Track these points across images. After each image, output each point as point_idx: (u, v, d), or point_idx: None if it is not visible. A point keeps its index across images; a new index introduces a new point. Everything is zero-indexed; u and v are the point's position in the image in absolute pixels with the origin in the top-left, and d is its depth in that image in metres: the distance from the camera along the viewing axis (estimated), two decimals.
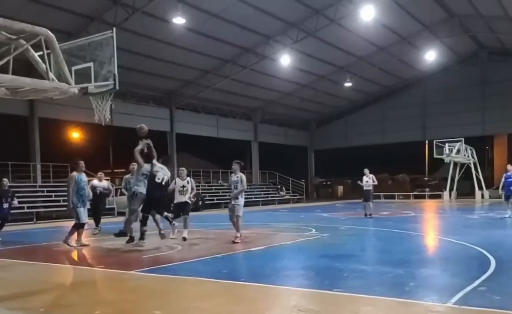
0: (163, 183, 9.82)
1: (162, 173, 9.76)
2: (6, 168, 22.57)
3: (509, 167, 16.70)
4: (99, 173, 14.92)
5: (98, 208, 14.12)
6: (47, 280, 7.22)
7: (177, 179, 10.88)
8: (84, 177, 10.96)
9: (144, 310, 5.29)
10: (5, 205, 12.47)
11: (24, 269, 8.37)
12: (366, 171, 17.95)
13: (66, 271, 8.27)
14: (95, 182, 13.92)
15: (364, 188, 17.84)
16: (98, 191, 13.65)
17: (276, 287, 6.31)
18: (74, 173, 10.76)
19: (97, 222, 13.80)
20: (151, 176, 9.68)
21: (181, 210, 10.86)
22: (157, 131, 32.69)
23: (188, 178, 11.08)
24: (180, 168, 11.26)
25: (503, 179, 16.75)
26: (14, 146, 27.46)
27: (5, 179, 12.82)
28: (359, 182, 18.16)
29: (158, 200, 9.96)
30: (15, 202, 13.42)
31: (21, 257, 9.54)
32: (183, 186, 10.77)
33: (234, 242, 10.19)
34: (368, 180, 17.78)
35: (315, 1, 24.50)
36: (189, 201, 10.97)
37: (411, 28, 29.93)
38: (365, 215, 17.72)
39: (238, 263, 8.51)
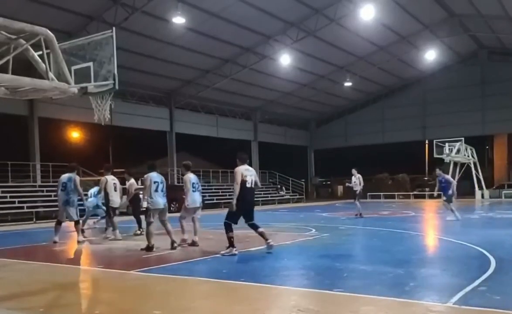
0: (253, 185, 9.00)
1: (249, 174, 8.96)
2: (6, 168, 22.59)
3: (437, 171, 16.18)
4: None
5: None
6: (47, 280, 7.20)
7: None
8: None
9: (144, 310, 5.28)
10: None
11: (24, 269, 8.36)
12: (354, 171, 17.64)
13: (66, 271, 8.26)
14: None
15: (353, 188, 17.62)
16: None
17: (276, 287, 6.30)
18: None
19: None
20: (242, 182, 8.79)
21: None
22: (156, 130, 32.82)
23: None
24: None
25: (437, 184, 16.14)
26: (14, 146, 27.47)
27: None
28: (347, 183, 17.64)
29: (251, 205, 9.17)
30: None
31: (21, 257, 9.52)
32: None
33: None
34: (356, 181, 17.49)
35: (315, 0, 24.50)
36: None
37: (411, 28, 29.93)
38: (356, 215, 17.53)
39: (238, 263, 8.49)
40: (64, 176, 11.37)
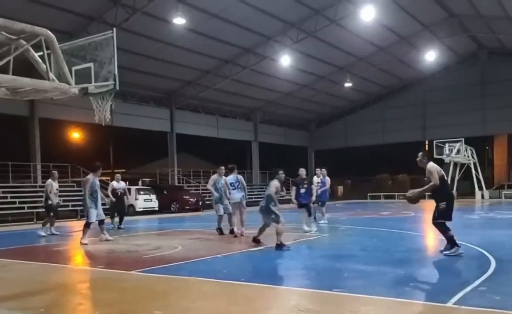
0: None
1: (442, 170, 8.64)
2: (6, 168, 22.62)
3: (317, 171, 15.33)
4: (117, 175, 15.83)
5: (122, 208, 15.44)
6: (47, 280, 7.21)
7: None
8: (97, 180, 11.93)
9: (144, 310, 5.28)
10: (302, 191, 13.29)
11: (24, 269, 8.37)
12: (318, 171, 15.91)
13: (66, 271, 8.27)
14: (115, 184, 14.94)
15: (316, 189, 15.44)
16: (119, 193, 14.78)
17: (276, 287, 6.31)
18: (91, 175, 11.73)
19: (120, 222, 15.22)
20: (441, 177, 8.51)
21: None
22: (157, 131, 32.84)
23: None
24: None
25: (319, 186, 15.07)
26: (15, 146, 27.50)
27: (303, 169, 14.16)
28: (313, 185, 14.76)
29: (453, 199, 8.88)
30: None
31: (21, 257, 9.53)
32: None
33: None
34: (320, 182, 15.59)
35: (315, 1, 24.51)
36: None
37: (411, 28, 29.95)
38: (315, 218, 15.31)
39: (238, 263, 8.50)
40: None
